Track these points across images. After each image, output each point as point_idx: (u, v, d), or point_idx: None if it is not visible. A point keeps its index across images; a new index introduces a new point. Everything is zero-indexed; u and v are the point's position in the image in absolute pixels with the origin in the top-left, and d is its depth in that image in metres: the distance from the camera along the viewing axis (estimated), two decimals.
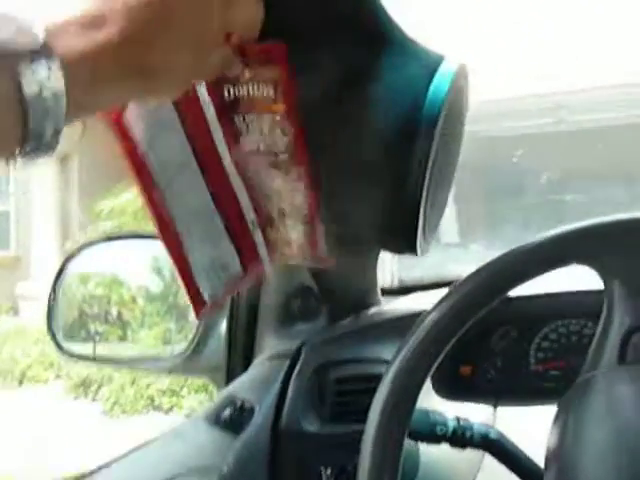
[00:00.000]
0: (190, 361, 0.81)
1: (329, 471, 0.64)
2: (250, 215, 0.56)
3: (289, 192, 0.54)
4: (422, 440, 0.56)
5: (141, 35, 0.37)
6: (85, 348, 0.94)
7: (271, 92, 0.51)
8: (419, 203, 0.50)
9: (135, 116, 0.49)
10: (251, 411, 0.63)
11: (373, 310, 0.81)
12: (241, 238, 0.56)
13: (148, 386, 4.37)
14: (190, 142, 0.52)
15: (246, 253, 0.57)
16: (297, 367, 0.68)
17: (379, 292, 0.84)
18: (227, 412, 0.62)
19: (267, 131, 0.54)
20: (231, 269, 0.56)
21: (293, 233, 0.56)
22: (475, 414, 0.68)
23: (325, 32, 0.47)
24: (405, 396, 0.47)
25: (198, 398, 4.01)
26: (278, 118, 0.52)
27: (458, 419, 0.57)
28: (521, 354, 0.78)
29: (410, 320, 0.75)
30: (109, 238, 0.94)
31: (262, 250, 0.57)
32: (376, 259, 0.78)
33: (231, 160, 0.53)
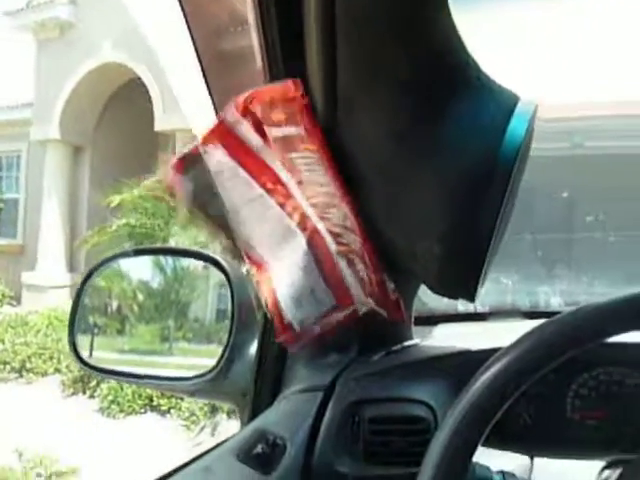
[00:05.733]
0: (215, 384, 0.79)
1: None
2: (332, 246, 0.56)
3: (348, 233, 0.53)
4: None
5: None
6: (104, 360, 0.92)
7: (298, 131, 0.52)
8: (487, 250, 0.48)
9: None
10: (283, 448, 0.61)
11: (407, 344, 0.79)
12: (330, 269, 0.56)
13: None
14: (256, 181, 0.53)
15: (336, 285, 0.57)
16: (330, 403, 0.66)
17: (412, 325, 0.82)
18: (259, 449, 0.59)
19: (309, 170, 0.54)
20: (322, 299, 0.56)
21: (363, 274, 0.55)
22: (511, 466, 0.65)
23: (403, 68, 0.45)
24: (462, 454, 0.44)
25: (197, 402, 3.97)
26: (315, 156, 0.53)
27: (504, 474, 0.54)
28: (557, 400, 0.75)
29: (448, 361, 0.73)
30: (136, 252, 0.91)
31: (350, 280, 0.57)
32: (415, 293, 0.75)
33: (301, 192, 0.53)
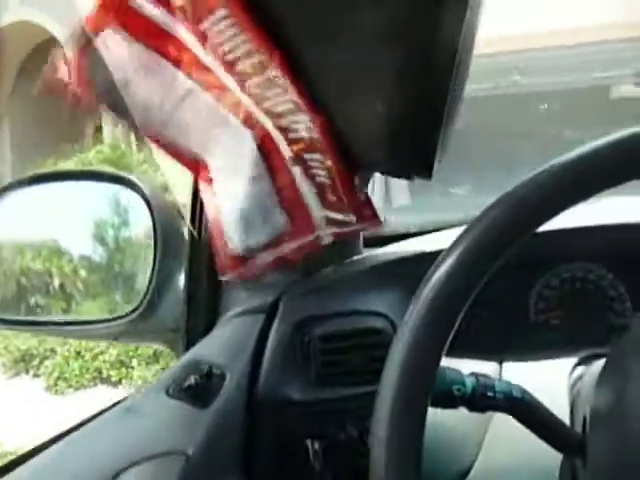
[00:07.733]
0: (141, 324, 0.69)
1: (317, 445, 0.54)
2: (287, 152, 0.45)
3: (296, 118, 0.43)
4: (437, 405, 0.46)
5: None
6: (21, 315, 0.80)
7: None
8: (442, 117, 0.40)
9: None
10: (221, 378, 0.52)
11: (355, 259, 0.71)
12: (286, 184, 0.46)
13: (95, 358, 4.18)
14: (184, 72, 0.44)
15: (293, 205, 0.46)
16: (274, 323, 0.57)
17: (361, 242, 0.74)
18: (192, 380, 0.50)
19: (232, 40, 0.44)
20: (275, 222, 0.45)
21: (324, 179, 0.46)
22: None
23: None
24: (430, 355, 0.36)
25: (150, 369, 3.86)
26: (231, 20, 0.42)
27: (477, 376, 0.47)
28: (519, 303, 0.70)
29: (402, 266, 0.66)
30: (32, 180, 0.76)
31: (310, 197, 0.47)
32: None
33: (234, 80, 0.42)
